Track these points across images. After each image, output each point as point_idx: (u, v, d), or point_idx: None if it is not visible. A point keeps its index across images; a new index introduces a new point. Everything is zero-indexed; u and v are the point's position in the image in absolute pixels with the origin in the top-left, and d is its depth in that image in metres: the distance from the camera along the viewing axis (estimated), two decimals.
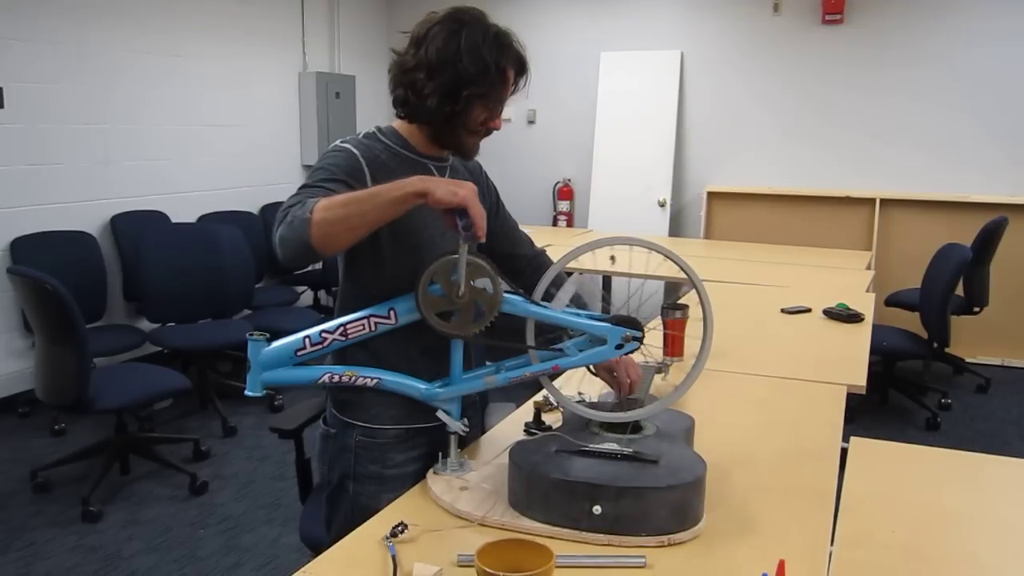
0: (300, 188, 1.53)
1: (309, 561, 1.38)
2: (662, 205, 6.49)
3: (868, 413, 4.60)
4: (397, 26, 7.23)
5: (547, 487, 1.44)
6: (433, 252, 1.59)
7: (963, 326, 5.28)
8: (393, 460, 1.72)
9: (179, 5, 5.39)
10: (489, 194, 1.90)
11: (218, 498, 3.59)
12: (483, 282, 1.52)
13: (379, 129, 1.71)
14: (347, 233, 1.43)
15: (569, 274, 1.69)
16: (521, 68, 1.67)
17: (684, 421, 1.72)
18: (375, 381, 1.63)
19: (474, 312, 1.53)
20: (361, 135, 1.69)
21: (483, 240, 1.48)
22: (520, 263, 1.94)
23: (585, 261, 1.64)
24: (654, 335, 1.91)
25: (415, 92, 1.61)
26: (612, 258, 4.14)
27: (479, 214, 1.43)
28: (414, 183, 1.41)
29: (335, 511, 1.77)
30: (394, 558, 1.34)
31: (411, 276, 1.54)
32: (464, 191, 1.41)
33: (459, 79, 1.58)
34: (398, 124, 1.72)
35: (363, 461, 1.72)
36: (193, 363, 4.81)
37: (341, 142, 1.65)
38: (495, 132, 1.72)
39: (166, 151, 5.38)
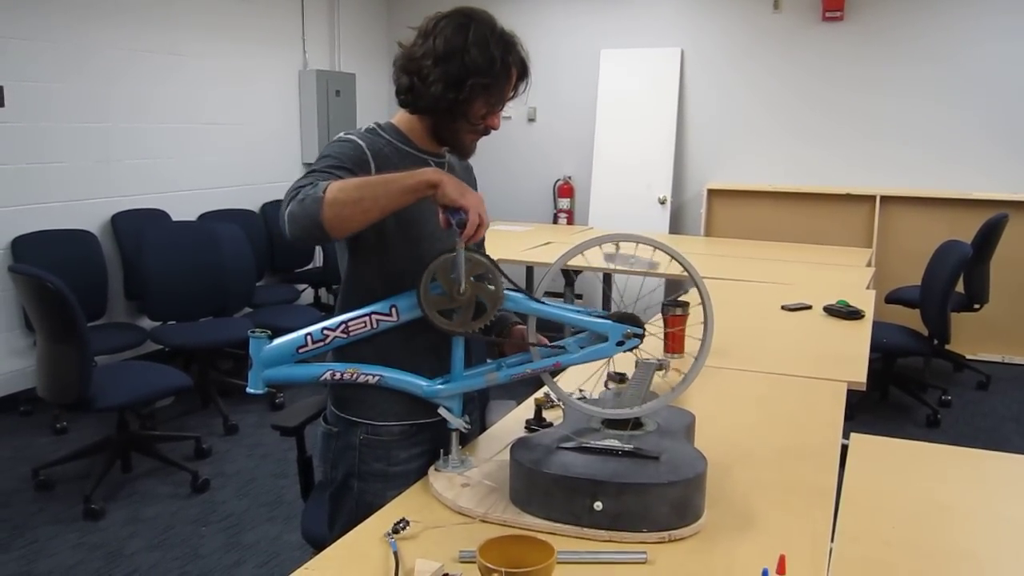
0: (308, 173, 1.54)
1: (311, 558, 1.39)
2: (662, 202, 6.49)
3: (868, 410, 4.60)
4: (397, 24, 7.24)
5: (548, 483, 1.44)
6: (434, 245, 1.60)
7: (963, 323, 5.28)
8: (398, 457, 1.72)
9: (180, 4, 5.38)
10: None
11: (220, 496, 3.59)
12: (486, 286, 1.53)
13: (378, 125, 1.72)
14: (359, 215, 1.44)
15: (568, 272, 1.70)
16: (523, 71, 1.69)
17: (685, 418, 1.73)
18: (376, 378, 1.63)
19: (476, 309, 1.54)
20: (363, 130, 1.70)
21: (474, 242, 1.50)
22: None
23: (584, 258, 1.64)
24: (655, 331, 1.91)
25: (420, 78, 1.62)
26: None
27: (475, 221, 1.45)
28: (427, 174, 1.45)
29: (339, 509, 1.77)
30: (396, 554, 1.35)
31: (413, 268, 1.54)
32: (472, 197, 1.46)
33: (465, 69, 1.60)
34: (398, 119, 1.73)
35: (367, 459, 1.72)
36: (194, 361, 4.82)
37: (345, 134, 1.66)
38: (495, 131, 1.73)
39: (167, 149, 5.38)
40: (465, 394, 1.67)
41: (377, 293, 1.61)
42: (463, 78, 1.60)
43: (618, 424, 1.61)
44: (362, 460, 1.72)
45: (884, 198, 5.89)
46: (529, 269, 5.44)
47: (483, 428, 1.97)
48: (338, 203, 1.41)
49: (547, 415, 1.93)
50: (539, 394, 2.02)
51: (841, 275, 4.21)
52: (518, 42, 1.68)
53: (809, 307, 3.25)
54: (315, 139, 6.44)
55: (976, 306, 4.97)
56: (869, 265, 4.76)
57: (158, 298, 4.64)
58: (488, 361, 1.68)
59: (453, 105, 1.63)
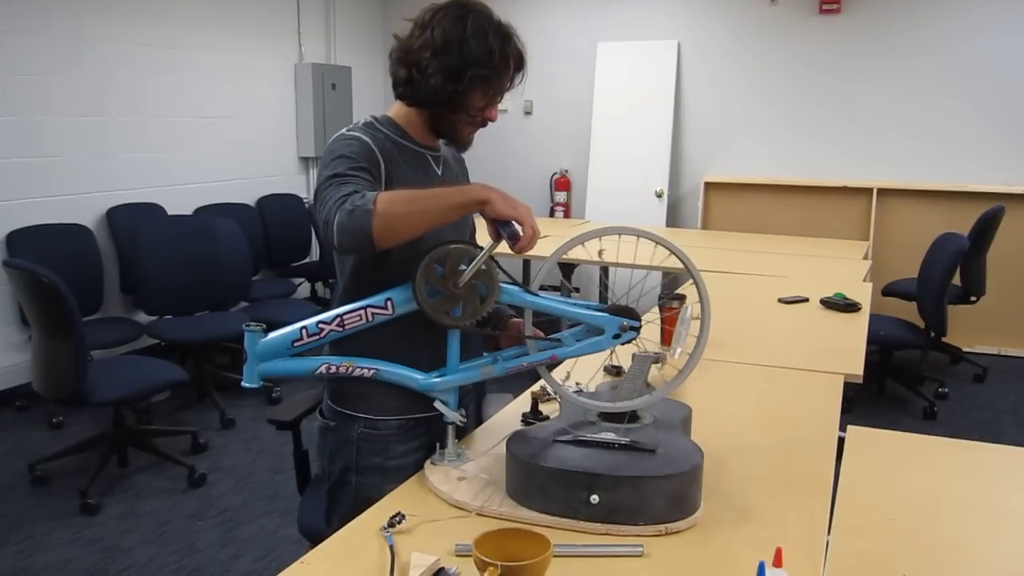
0: (331, 176, 1.52)
1: (307, 552, 1.39)
2: (659, 196, 6.48)
3: (865, 402, 4.60)
4: (393, 16, 7.21)
5: (544, 477, 1.44)
6: (434, 241, 1.59)
7: (960, 315, 5.29)
8: (395, 451, 1.72)
9: None
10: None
11: (216, 490, 3.59)
12: (482, 286, 1.52)
13: (375, 118, 1.71)
14: (406, 229, 1.47)
15: (565, 265, 1.70)
16: (521, 62, 1.69)
17: (681, 410, 1.72)
18: (372, 372, 1.63)
19: (458, 308, 1.54)
20: (361, 124, 1.69)
21: (527, 251, 1.53)
22: None
23: (580, 252, 1.64)
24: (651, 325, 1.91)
25: (419, 70, 1.62)
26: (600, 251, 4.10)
27: (528, 234, 1.49)
28: (477, 191, 1.48)
29: (336, 504, 1.77)
30: (392, 548, 1.34)
31: (414, 264, 1.54)
32: (522, 208, 1.49)
33: (464, 60, 1.60)
34: (394, 112, 1.73)
35: (365, 453, 1.72)
36: (190, 355, 4.81)
37: (348, 131, 1.65)
38: (492, 124, 1.73)
39: (163, 143, 5.36)
40: (461, 387, 1.67)
41: (379, 288, 1.60)
42: (462, 70, 1.60)
43: (614, 417, 1.61)
44: (360, 454, 1.72)
45: (881, 191, 5.89)
46: (525, 262, 5.43)
47: (479, 421, 1.97)
48: (389, 216, 1.42)
49: (543, 408, 1.93)
50: (535, 387, 2.01)
51: (838, 268, 4.21)
52: (515, 33, 1.68)
53: (806, 300, 3.25)
54: (311, 133, 6.42)
55: (973, 298, 4.97)
56: (866, 258, 4.76)
57: (154, 292, 4.62)
58: (484, 354, 1.68)
59: (452, 97, 1.63)
